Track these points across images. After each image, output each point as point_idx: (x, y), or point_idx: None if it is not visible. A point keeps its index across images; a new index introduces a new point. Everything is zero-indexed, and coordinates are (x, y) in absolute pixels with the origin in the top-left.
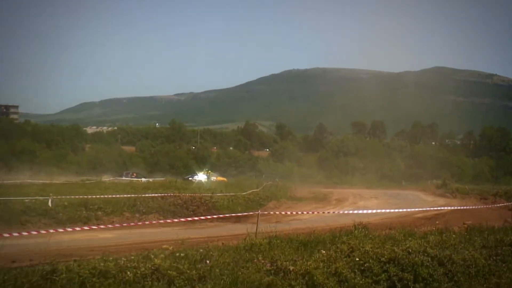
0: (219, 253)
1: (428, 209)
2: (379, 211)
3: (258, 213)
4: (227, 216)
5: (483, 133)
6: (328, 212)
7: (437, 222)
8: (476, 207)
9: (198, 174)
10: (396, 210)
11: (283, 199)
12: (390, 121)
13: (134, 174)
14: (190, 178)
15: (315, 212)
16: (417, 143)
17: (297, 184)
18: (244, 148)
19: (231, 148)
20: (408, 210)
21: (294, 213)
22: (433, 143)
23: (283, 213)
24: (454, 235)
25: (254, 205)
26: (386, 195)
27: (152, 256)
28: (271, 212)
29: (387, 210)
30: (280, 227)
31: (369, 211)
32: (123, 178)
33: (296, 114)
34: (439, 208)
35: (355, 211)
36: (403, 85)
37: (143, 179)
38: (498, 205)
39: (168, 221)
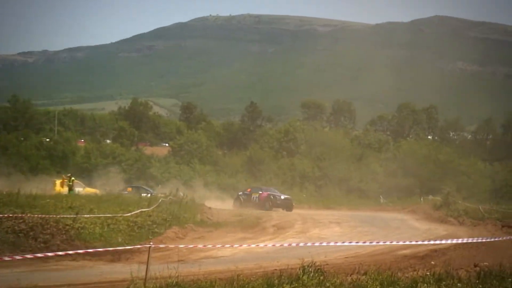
0: None
1: (420, 242)
2: (342, 244)
3: (150, 247)
4: (99, 251)
5: (508, 123)
6: (265, 245)
7: (432, 262)
8: (495, 239)
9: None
10: (370, 244)
11: (190, 224)
12: (362, 101)
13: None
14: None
15: (242, 246)
16: (404, 137)
17: (214, 201)
18: (129, 141)
19: (108, 141)
20: (389, 243)
21: (208, 246)
22: (430, 137)
23: (190, 246)
24: (459, 284)
25: (144, 234)
26: (355, 219)
27: None
28: (171, 246)
29: (356, 243)
30: (185, 269)
31: (327, 244)
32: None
33: (213, 87)
34: (437, 241)
35: (305, 245)
36: (383, 45)
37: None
38: None
39: (6, 258)
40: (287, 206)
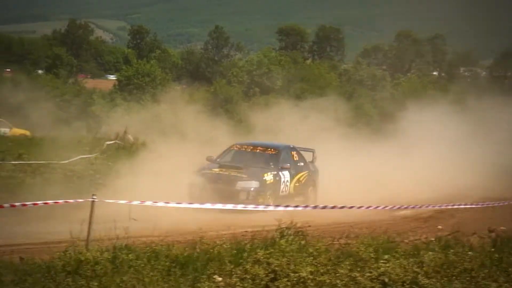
0: (14, 280)
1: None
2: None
3: (93, 201)
4: (28, 206)
5: None
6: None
7: (439, 226)
8: None
9: None
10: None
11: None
12: (353, 27)
13: None
14: None
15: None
16: (404, 73)
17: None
18: (66, 72)
19: (40, 71)
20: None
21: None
22: (435, 73)
23: (147, 204)
24: (470, 252)
25: (85, 185)
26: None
27: None
28: (121, 202)
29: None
30: (140, 227)
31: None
32: None
33: (169, 7)
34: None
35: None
36: None
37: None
38: None
39: None
40: None
